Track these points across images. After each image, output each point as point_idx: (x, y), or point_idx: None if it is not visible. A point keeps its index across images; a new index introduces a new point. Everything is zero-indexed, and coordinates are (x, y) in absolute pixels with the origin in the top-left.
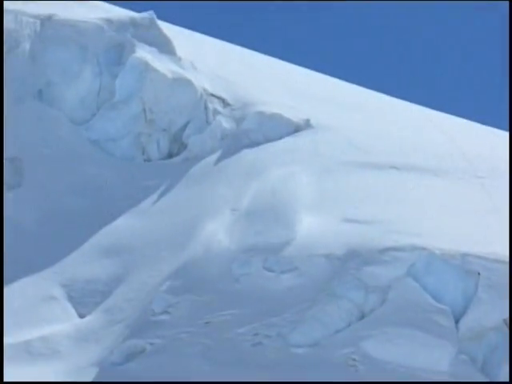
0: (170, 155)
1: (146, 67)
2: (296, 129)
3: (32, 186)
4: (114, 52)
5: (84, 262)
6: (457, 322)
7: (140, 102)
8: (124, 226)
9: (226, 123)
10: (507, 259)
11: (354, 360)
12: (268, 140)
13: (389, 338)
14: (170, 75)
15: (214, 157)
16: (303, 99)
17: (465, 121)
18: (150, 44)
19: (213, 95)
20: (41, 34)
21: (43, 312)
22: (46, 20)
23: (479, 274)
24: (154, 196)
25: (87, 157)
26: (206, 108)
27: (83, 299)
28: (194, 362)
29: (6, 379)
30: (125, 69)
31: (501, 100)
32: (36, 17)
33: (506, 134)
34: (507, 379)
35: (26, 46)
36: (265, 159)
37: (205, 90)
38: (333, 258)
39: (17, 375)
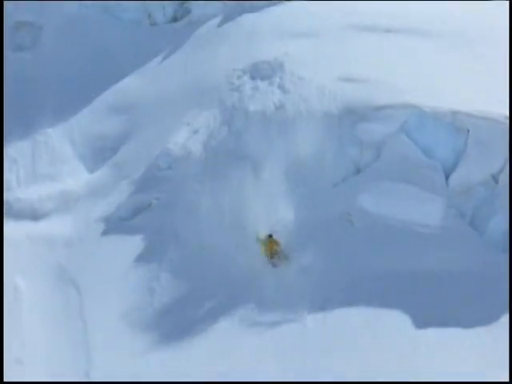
0: (175, 19)
1: None
2: None
3: (45, 50)
4: None
5: (93, 121)
6: (447, 177)
7: None
8: (131, 85)
9: None
10: (496, 117)
11: (350, 215)
12: (268, 4)
13: (383, 193)
14: None
15: (216, 20)
16: None
17: None
18: None
19: None
20: None
21: (54, 168)
22: None
23: (469, 131)
24: (160, 57)
25: (96, 21)
26: None
27: (92, 155)
28: (197, 215)
29: (19, 233)
30: None
31: None
32: None
33: (504, 3)
34: (494, 233)
35: None
36: (264, 23)
37: None
38: (329, 115)
39: (29, 229)
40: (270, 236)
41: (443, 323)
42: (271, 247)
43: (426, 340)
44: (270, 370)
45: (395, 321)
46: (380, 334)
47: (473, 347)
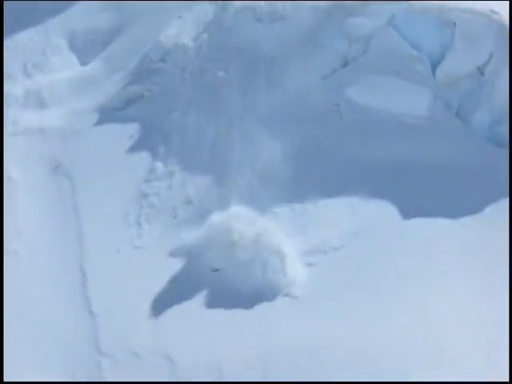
0: None
1: None
2: None
3: None
4: None
5: (86, 14)
6: (434, 69)
7: None
8: None
9: None
10: (481, 10)
11: (338, 105)
12: None
13: (371, 85)
14: None
15: None
16: None
17: None
18: None
19: None
20: None
21: (48, 60)
22: None
23: (455, 24)
24: None
25: None
26: None
27: (85, 48)
28: (188, 107)
29: (11, 124)
30: None
31: None
32: None
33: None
34: (480, 123)
35: None
36: None
37: None
38: (318, 9)
39: (21, 120)
40: None
41: (430, 213)
42: None
43: (413, 230)
44: None
45: (382, 211)
46: (367, 224)
47: (458, 237)
